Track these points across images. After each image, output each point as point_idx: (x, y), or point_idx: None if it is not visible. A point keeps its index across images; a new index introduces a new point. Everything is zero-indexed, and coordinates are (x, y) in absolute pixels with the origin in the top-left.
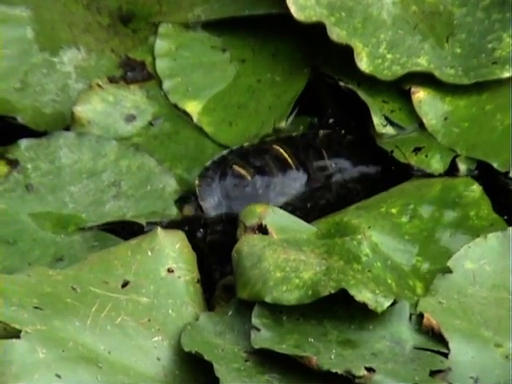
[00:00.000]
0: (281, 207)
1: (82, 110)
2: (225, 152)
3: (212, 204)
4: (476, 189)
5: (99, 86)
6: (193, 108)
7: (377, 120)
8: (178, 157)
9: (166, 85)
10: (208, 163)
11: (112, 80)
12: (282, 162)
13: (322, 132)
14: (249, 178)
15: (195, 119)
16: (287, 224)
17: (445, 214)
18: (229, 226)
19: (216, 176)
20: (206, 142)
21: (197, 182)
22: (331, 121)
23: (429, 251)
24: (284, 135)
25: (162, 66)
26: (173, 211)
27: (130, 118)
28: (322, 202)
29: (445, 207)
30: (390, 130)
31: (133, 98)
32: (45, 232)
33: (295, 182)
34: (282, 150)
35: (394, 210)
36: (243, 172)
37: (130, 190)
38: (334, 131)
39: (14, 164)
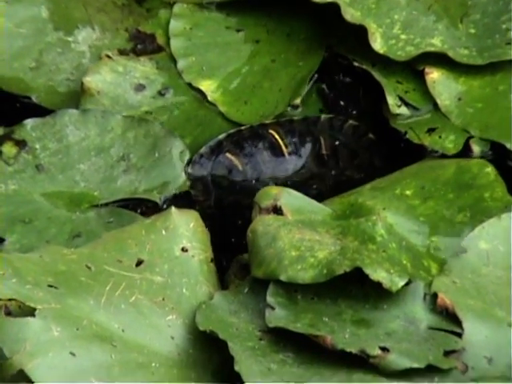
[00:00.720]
0: None
1: (92, 81)
2: (221, 136)
3: (201, 191)
4: (490, 171)
5: (109, 57)
6: (207, 87)
7: (391, 100)
8: (186, 127)
9: (181, 64)
10: (202, 149)
11: (122, 52)
12: (275, 149)
13: (323, 117)
14: (240, 167)
15: (210, 98)
16: (302, 205)
17: (459, 196)
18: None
19: (208, 163)
20: (214, 112)
21: (189, 169)
22: (342, 103)
23: (443, 233)
24: (285, 119)
25: (176, 45)
26: (182, 177)
27: (140, 88)
28: (313, 192)
29: (459, 189)
30: (404, 110)
31: (142, 68)
32: (59, 210)
33: (287, 171)
34: (277, 136)
35: (408, 192)
36: (236, 161)
37: (139, 161)
38: (337, 116)
39: (21, 144)
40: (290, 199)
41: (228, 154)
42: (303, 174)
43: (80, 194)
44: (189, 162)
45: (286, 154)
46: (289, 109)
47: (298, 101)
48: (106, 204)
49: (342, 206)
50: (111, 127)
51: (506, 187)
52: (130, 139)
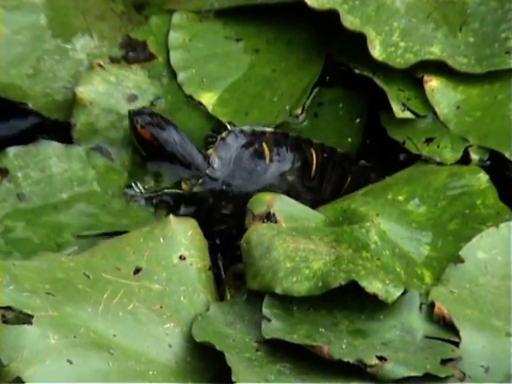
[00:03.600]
0: None
1: (84, 91)
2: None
3: (220, 164)
4: (482, 177)
5: (101, 66)
6: (208, 99)
7: (395, 105)
8: None
9: (181, 77)
10: (237, 128)
11: (113, 60)
12: (259, 157)
13: (314, 141)
14: (267, 160)
15: (210, 110)
16: (295, 212)
17: (451, 203)
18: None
19: (237, 142)
20: (207, 121)
21: (223, 134)
22: (341, 113)
23: (436, 239)
24: (280, 132)
25: (176, 57)
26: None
27: (132, 98)
28: None
29: (451, 196)
30: (408, 114)
31: (134, 77)
32: (40, 239)
33: (264, 180)
34: (264, 146)
35: (400, 198)
36: (267, 152)
37: (121, 195)
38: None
39: (3, 173)
40: (284, 206)
41: (264, 144)
42: (281, 186)
43: (62, 224)
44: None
45: (268, 163)
46: (290, 118)
47: (299, 110)
48: (88, 236)
49: (335, 212)
50: (94, 164)
51: (505, 195)
52: (111, 176)
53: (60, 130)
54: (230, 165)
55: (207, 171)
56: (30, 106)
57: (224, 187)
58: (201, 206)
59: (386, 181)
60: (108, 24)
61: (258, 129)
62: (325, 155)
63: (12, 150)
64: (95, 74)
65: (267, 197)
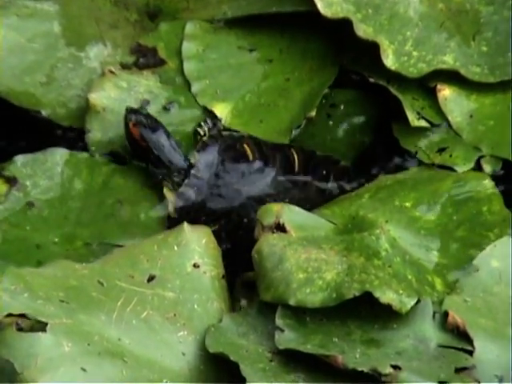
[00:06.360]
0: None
1: (97, 97)
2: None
3: (204, 165)
4: (488, 184)
5: (112, 72)
6: (222, 110)
7: (410, 114)
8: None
9: (195, 88)
10: (216, 132)
11: (124, 66)
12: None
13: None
14: (251, 158)
15: (225, 121)
16: (304, 221)
17: (458, 209)
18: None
19: (218, 145)
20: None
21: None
22: (356, 120)
23: (444, 246)
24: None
25: (190, 68)
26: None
27: (145, 103)
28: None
29: (458, 202)
30: (423, 123)
31: (146, 83)
32: (52, 247)
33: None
34: (246, 147)
35: (408, 204)
36: (249, 152)
37: (129, 202)
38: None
39: (12, 181)
40: (292, 215)
41: (245, 145)
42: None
43: (72, 232)
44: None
45: (252, 161)
46: (303, 122)
47: (313, 113)
48: (99, 243)
49: (344, 219)
50: (100, 171)
51: (504, 201)
52: (120, 183)
53: (73, 137)
54: (214, 166)
55: (192, 171)
56: (44, 113)
57: (209, 187)
58: (187, 205)
59: (391, 186)
60: (121, 32)
61: (236, 134)
62: (305, 155)
63: (20, 159)
64: (107, 80)
65: (275, 207)
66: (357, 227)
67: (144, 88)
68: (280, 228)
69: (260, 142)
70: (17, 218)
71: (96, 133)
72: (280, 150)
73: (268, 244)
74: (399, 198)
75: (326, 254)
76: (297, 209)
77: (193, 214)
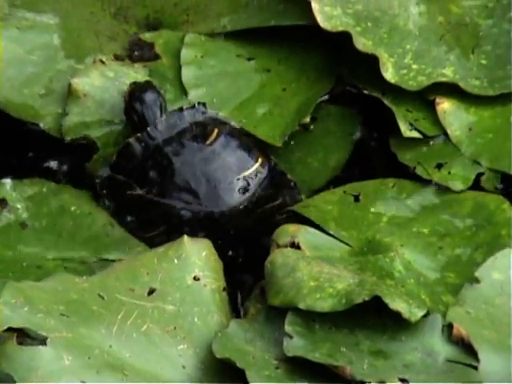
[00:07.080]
0: None
1: (80, 83)
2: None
3: (164, 128)
4: (507, 207)
5: (102, 61)
6: None
7: (402, 125)
8: None
9: (192, 95)
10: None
11: (118, 58)
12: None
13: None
14: (208, 142)
15: None
16: (320, 242)
17: (476, 233)
18: None
19: (192, 117)
20: None
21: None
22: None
23: (462, 270)
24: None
25: (187, 74)
26: None
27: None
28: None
29: (476, 226)
30: (415, 134)
31: (134, 75)
32: (49, 264)
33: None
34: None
35: (425, 230)
36: (212, 137)
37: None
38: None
39: (3, 203)
40: (308, 236)
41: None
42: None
43: (68, 252)
44: None
45: (206, 145)
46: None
47: (307, 119)
48: (95, 261)
49: (360, 242)
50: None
51: None
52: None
53: (71, 151)
54: (172, 133)
55: (148, 129)
56: (42, 126)
57: (156, 150)
58: (129, 160)
59: (409, 211)
60: (120, 45)
61: (224, 119)
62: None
63: (8, 182)
64: (94, 69)
65: (291, 228)
66: (372, 250)
67: (130, 80)
68: (295, 247)
69: (236, 134)
70: (11, 239)
71: (73, 116)
72: (248, 151)
73: (282, 255)
74: (418, 224)
75: (339, 271)
76: (313, 230)
77: (130, 171)
